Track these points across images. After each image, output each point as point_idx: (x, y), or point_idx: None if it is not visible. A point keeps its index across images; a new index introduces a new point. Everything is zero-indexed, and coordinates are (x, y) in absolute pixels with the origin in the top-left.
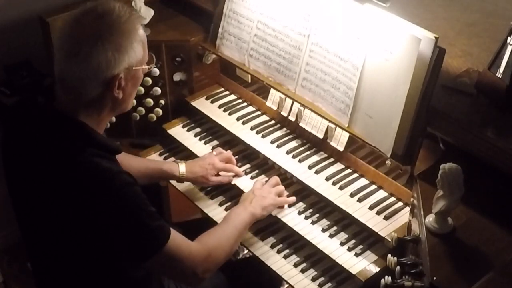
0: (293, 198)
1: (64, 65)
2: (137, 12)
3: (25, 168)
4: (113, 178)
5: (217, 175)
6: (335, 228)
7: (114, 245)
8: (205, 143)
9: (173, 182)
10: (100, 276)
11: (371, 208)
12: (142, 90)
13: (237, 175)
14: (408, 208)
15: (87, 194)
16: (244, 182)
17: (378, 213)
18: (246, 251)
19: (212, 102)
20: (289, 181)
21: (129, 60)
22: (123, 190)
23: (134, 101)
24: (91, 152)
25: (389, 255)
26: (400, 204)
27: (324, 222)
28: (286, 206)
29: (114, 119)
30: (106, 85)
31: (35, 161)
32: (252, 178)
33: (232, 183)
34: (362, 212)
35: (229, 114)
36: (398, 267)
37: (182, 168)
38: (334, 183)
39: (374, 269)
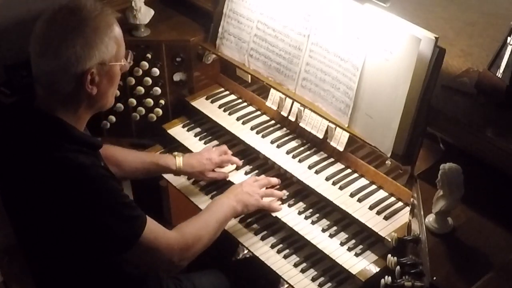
0: (280, 207)
1: (38, 63)
2: (110, 9)
3: (8, 167)
4: (87, 172)
5: (213, 170)
6: (335, 228)
7: (93, 238)
8: (205, 143)
9: (173, 181)
10: (96, 274)
11: (371, 208)
12: (142, 90)
13: (236, 165)
14: (408, 208)
15: (63, 188)
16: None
17: (378, 213)
18: (246, 251)
19: (212, 102)
20: (289, 181)
21: (101, 56)
22: (97, 184)
23: (134, 101)
24: (68, 147)
25: (389, 255)
26: (400, 204)
27: (324, 222)
28: (286, 205)
29: (114, 118)
30: (78, 80)
31: (16, 159)
32: None
33: (232, 180)
34: (362, 212)
35: (229, 114)
36: (398, 267)
37: (178, 161)
38: (334, 183)
39: (374, 269)
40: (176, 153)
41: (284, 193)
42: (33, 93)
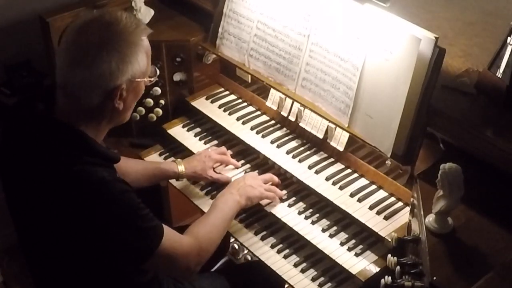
0: (279, 196)
1: (66, 72)
2: (143, 24)
3: (22, 175)
4: (107, 186)
5: (215, 172)
6: (335, 228)
7: (111, 251)
8: (205, 143)
9: (173, 182)
10: (100, 281)
11: (371, 208)
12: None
13: (235, 167)
14: (408, 208)
15: (82, 202)
16: None
17: (378, 213)
18: (246, 251)
19: (212, 102)
20: (289, 181)
21: (133, 72)
22: (116, 199)
23: None
24: (87, 160)
25: (389, 255)
26: (400, 204)
27: (324, 222)
28: (286, 205)
29: None
30: (107, 95)
31: (32, 168)
32: None
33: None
34: (362, 212)
35: (229, 114)
36: (398, 267)
37: (180, 165)
38: (334, 183)
39: (374, 269)
40: (176, 160)
41: (284, 193)
42: (52, 101)
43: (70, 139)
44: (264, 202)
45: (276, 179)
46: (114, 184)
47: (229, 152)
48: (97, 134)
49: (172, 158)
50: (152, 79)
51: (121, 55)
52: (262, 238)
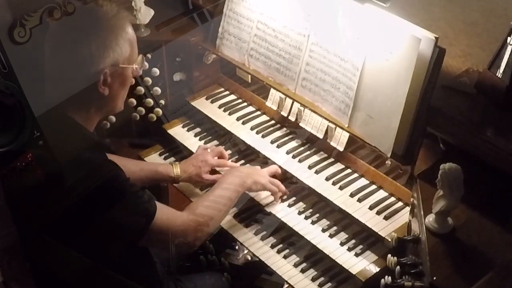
0: (284, 191)
1: (51, 59)
2: (125, 12)
3: None
4: (96, 166)
5: (212, 172)
6: (335, 228)
7: (104, 232)
8: (205, 143)
9: None
10: (101, 276)
11: (371, 208)
12: (142, 90)
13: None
14: (408, 208)
15: (73, 184)
16: None
17: (378, 213)
18: (246, 251)
19: (212, 102)
20: (289, 181)
21: (115, 57)
22: (107, 177)
23: (134, 101)
24: (77, 144)
25: (389, 255)
26: (400, 204)
27: (324, 222)
28: (286, 205)
29: (114, 118)
30: (91, 79)
31: None
32: None
33: None
34: (362, 212)
35: (229, 114)
36: (398, 267)
37: (176, 169)
38: (334, 183)
39: (374, 269)
40: (173, 162)
41: (286, 191)
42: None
43: (59, 125)
44: (264, 202)
45: (279, 170)
46: (102, 163)
47: (228, 152)
48: (86, 122)
49: (172, 159)
50: (137, 66)
51: (100, 38)
52: (262, 238)
